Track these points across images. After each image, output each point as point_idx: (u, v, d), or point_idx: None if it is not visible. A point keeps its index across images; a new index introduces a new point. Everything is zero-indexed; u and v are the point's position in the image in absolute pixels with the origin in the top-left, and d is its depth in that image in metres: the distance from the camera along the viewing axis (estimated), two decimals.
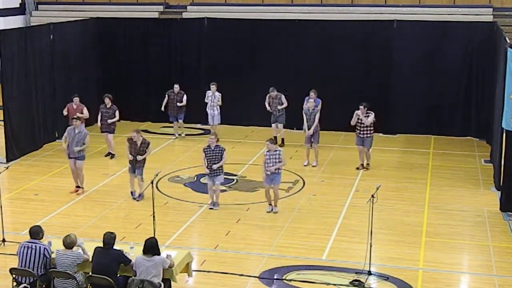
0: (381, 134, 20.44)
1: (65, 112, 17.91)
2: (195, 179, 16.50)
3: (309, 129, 17.20)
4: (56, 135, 19.98)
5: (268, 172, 13.90)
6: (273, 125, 19.14)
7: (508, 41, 15.39)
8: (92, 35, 21.99)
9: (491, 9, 23.17)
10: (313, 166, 17.35)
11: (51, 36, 19.80)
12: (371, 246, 11.22)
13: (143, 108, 21.97)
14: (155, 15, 25.51)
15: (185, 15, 24.90)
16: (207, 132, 20.50)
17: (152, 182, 11.79)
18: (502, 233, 13.21)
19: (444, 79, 20.28)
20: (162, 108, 19.91)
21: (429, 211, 14.33)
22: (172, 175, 16.75)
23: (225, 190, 15.38)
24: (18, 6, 27.11)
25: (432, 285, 11.06)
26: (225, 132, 20.43)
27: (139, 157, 14.63)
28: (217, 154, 14.06)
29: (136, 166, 14.73)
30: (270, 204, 14.27)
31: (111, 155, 18.14)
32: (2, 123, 18.53)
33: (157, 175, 12.56)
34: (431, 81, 20.36)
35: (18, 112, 18.21)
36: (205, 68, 21.71)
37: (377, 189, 11.29)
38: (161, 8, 26.01)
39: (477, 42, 19.90)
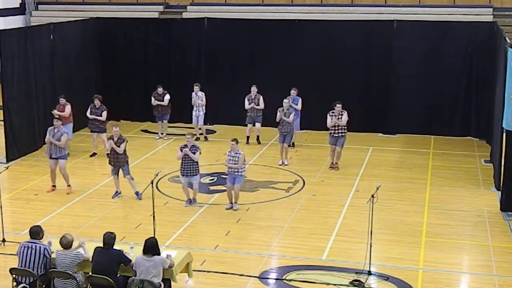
0: (381, 134, 20.48)
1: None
2: None
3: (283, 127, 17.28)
4: None
5: (230, 170, 14.19)
6: (249, 125, 19.23)
7: (508, 41, 15.39)
8: (92, 35, 21.98)
9: (491, 9, 23.19)
10: (285, 165, 17.40)
11: (51, 36, 19.79)
12: (371, 246, 11.22)
13: (143, 108, 21.92)
14: (155, 15, 25.53)
15: (185, 15, 24.91)
16: (208, 132, 20.49)
17: (152, 182, 11.80)
18: (502, 233, 13.21)
19: (444, 79, 20.28)
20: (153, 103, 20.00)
21: (429, 211, 14.33)
22: (172, 175, 16.75)
23: (225, 190, 15.36)
24: (18, 6, 27.13)
25: (432, 285, 11.06)
26: (225, 132, 20.45)
27: (119, 149, 14.55)
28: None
29: (119, 165, 14.73)
30: (231, 202, 14.45)
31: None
32: (2, 123, 18.53)
33: (157, 175, 12.55)
34: (431, 81, 20.35)
35: (18, 112, 18.20)
36: (205, 68, 21.71)
37: (377, 189, 11.28)
38: (161, 8, 26.03)
39: (477, 42, 19.89)
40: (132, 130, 21.31)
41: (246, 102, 19.10)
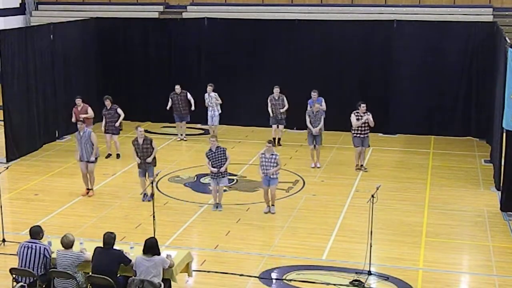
0: (381, 134, 20.47)
1: (73, 119, 17.39)
2: (195, 179, 16.51)
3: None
4: (57, 135, 20.04)
5: (264, 175, 13.93)
6: (273, 126, 19.13)
7: (508, 41, 15.38)
8: (92, 35, 21.99)
9: (491, 9, 23.18)
10: (318, 168, 17.32)
11: (51, 36, 19.80)
12: (371, 246, 11.22)
13: (143, 108, 21.96)
14: (155, 15, 25.53)
15: (185, 15, 24.91)
16: (207, 132, 20.51)
17: (152, 182, 11.81)
18: (502, 233, 13.21)
19: (444, 79, 20.28)
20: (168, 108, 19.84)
21: (429, 211, 14.33)
22: (172, 175, 16.75)
23: (225, 190, 15.37)
24: (18, 6, 27.13)
25: (432, 285, 11.06)
26: (225, 132, 20.44)
27: (148, 159, 14.49)
28: (220, 156, 14.08)
29: (146, 167, 14.64)
30: (268, 206, 14.27)
31: (117, 155, 18.08)
32: (2, 123, 18.54)
33: (157, 175, 12.57)
34: (431, 81, 20.35)
35: (18, 112, 18.20)
36: (205, 68, 21.71)
37: (377, 189, 11.28)
38: (161, 8, 26.03)
39: (477, 42, 19.89)
40: (132, 130, 21.14)
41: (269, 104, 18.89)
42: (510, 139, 13.99)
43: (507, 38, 15.93)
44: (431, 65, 20.30)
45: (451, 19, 22.10)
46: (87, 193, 15.26)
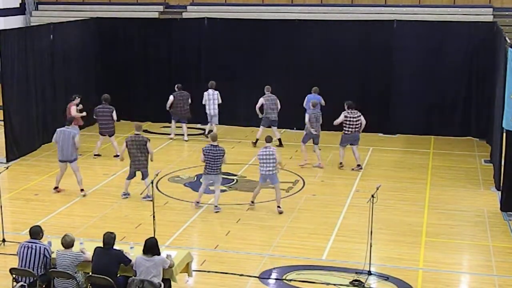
0: (381, 134, 20.48)
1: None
2: (195, 179, 16.51)
3: (316, 130, 17.18)
4: None
5: (264, 172, 14.02)
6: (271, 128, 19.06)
7: (508, 41, 15.38)
8: (92, 35, 21.98)
9: (491, 9, 23.19)
10: (320, 168, 17.32)
11: (51, 36, 19.79)
12: (371, 246, 11.23)
13: (143, 108, 21.97)
14: (155, 15, 25.54)
15: (185, 15, 24.92)
16: (207, 132, 20.49)
17: (152, 182, 11.80)
18: (502, 233, 13.21)
19: (444, 79, 20.28)
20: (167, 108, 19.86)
21: (429, 211, 14.33)
22: (172, 175, 16.75)
23: (225, 190, 15.37)
24: (18, 6, 27.14)
25: (432, 285, 11.06)
26: (225, 132, 20.44)
27: (151, 152, 14.60)
28: (218, 154, 14.09)
29: (141, 168, 14.68)
30: (253, 202, 14.40)
31: (116, 156, 18.06)
32: (2, 123, 18.54)
33: (157, 175, 12.56)
34: (431, 81, 20.35)
35: (18, 112, 18.19)
36: (205, 68, 21.71)
37: (377, 189, 11.28)
38: (161, 8, 26.04)
39: (477, 42, 19.89)
40: (132, 130, 21.21)
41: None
42: (510, 139, 13.99)
43: (507, 38, 15.94)
44: (431, 65, 20.30)
45: (451, 19, 22.12)
46: (58, 191, 15.37)
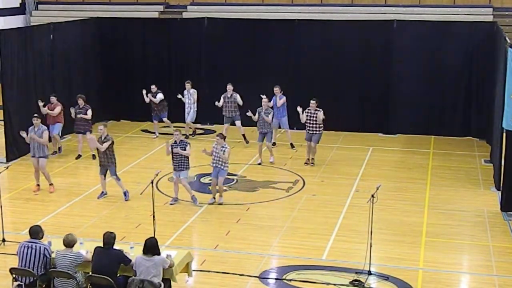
0: (381, 134, 20.48)
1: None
2: (195, 179, 16.51)
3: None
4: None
5: (214, 165, 14.51)
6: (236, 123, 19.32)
7: (508, 41, 15.39)
8: (92, 35, 21.98)
9: (491, 9, 23.18)
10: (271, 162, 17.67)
11: (51, 36, 19.79)
12: (371, 246, 11.22)
13: (143, 108, 21.91)
14: (155, 15, 25.52)
15: (185, 15, 24.91)
16: (207, 132, 20.54)
17: (152, 182, 11.80)
18: (502, 233, 13.21)
19: (444, 79, 20.28)
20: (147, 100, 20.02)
21: (429, 211, 14.33)
22: (172, 175, 16.71)
23: (225, 190, 15.37)
24: (18, 6, 27.12)
25: (432, 285, 11.06)
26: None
27: (101, 147, 14.48)
28: (182, 149, 14.43)
29: (106, 166, 14.73)
30: (214, 198, 14.68)
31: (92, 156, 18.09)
32: (2, 123, 18.53)
33: (157, 175, 12.55)
34: (431, 81, 20.36)
35: (18, 112, 18.19)
36: (205, 68, 21.72)
37: (377, 189, 11.28)
38: (161, 8, 26.02)
39: (477, 42, 19.89)
40: (132, 130, 21.33)
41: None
42: (510, 139, 13.99)
43: (507, 38, 15.94)
44: (431, 65, 20.30)
45: (451, 19, 22.10)
46: (38, 189, 15.43)
